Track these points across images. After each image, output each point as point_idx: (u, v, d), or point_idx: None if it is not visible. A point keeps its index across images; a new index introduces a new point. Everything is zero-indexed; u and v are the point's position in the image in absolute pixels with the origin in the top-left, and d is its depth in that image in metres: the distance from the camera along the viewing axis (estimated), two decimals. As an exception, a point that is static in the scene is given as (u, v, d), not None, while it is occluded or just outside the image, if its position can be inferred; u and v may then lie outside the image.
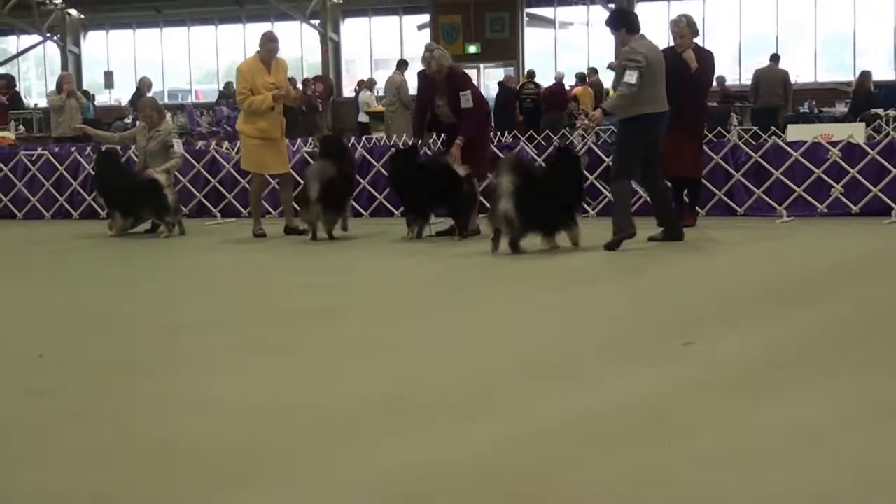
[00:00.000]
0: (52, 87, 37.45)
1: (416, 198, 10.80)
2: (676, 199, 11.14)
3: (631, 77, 9.57)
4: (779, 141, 12.89)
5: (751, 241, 10.36)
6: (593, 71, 27.57)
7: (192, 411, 4.68)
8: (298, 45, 34.85)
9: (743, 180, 12.20)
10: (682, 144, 10.70)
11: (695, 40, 11.07)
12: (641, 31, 10.01)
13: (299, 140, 16.93)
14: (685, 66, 10.78)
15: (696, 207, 11.67)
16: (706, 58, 11.09)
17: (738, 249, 9.90)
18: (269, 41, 11.60)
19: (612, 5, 31.60)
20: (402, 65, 21.91)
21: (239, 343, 6.07)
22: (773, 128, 17.53)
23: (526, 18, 32.52)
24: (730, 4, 32.13)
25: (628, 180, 10.02)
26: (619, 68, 9.91)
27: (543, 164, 10.69)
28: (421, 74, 11.24)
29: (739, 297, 7.29)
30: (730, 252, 9.76)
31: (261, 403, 4.78)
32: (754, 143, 13.47)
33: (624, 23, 9.98)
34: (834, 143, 12.04)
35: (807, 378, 5.00)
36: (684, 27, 10.98)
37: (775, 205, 11.94)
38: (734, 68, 32.49)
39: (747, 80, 23.19)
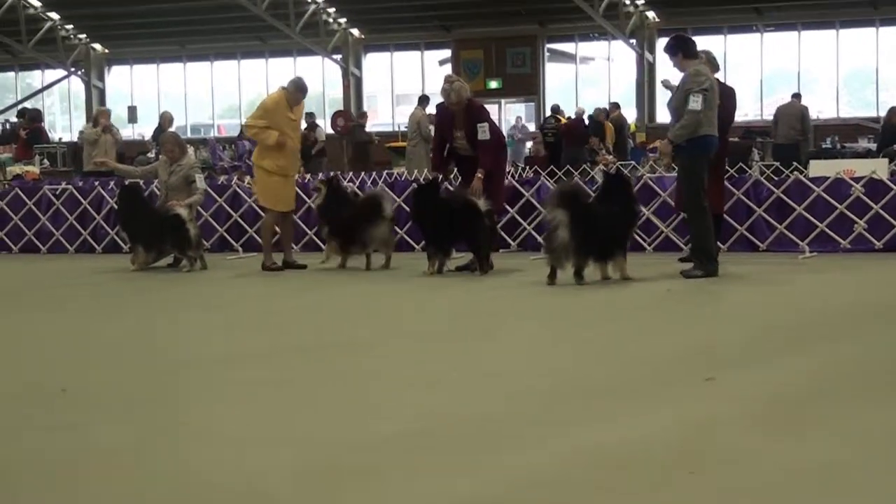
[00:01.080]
0: (78, 121, 37.92)
1: (437, 232, 10.82)
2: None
3: (696, 103, 9.75)
4: (801, 176, 12.86)
5: (773, 276, 10.32)
6: (615, 106, 27.63)
7: (214, 446, 4.68)
8: (320, 79, 35.08)
9: (765, 216, 12.17)
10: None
11: (717, 76, 11.09)
12: (699, 56, 10.20)
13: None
14: None
15: (718, 243, 11.63)
16: (728, 94, 11.11)
17: (761, 285, 9.86)
18: (299, 90, 11.70)
19: (633, 41, 31.77)
20: (424, 100, 22.01)
21: (261, 378, 6.06)
22: (794, 163, 17.48)
23: (547, 54, 32.69)
24: (751, 40, 32.19)
25: (705, 208, 10.03)
26: (682, 93, 9.94)
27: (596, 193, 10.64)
28: (440, 107, 11.29)
29: (762, 332, 7.24)
30: (752, 288, 9.71)
31: (283, 438, 4.77)
32: (776, 178, 13.44)
33: (681, 48, 10.13)
34: (857, 179, 12.01)
35: (829, 414, 4.96)
36: (704, 63, 11.01)
37: (798, 240, 11.90)
38: (756, 104, 32.54)
39: (769, 115, 23.19)
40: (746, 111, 32.83)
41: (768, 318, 7.95)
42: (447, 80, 11.12)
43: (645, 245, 12.39)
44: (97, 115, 17.37)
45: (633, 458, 4.34)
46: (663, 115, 27.58)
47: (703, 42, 33.40)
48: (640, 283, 9.87)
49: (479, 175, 10.62)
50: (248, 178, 16.36)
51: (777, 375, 5.83)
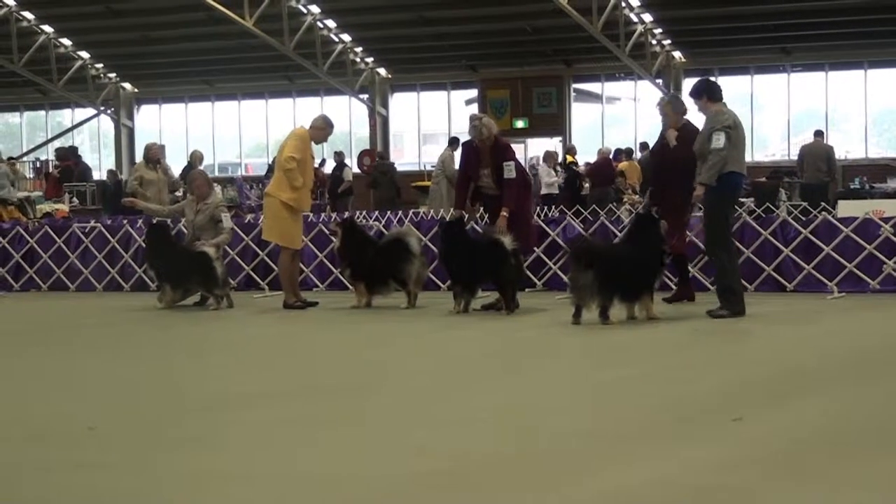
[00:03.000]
0: (107, 159, 38.23)
1: (463, 271, 10.81)
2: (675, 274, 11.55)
3: (718, 141, 9.86)
4: (829, 216, 12.80)
5: (801, 317, 10.25)
6: (643, 146, 27.62)
7: (239, 486, 4.67)
8: (347, 118, 35.28)
9: (793, 256, 12.10)
10: (668, 222, 10.63)
11: (685, 118, 11.42)
12: (723, 101, 10.37)
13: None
14: (667, 146, 11.15)
15: (744, 283, 11.60)
16: (690, 134, 11.06)
17: (788, 325, 9.80)
18: (329, 126, 11.83)
19: (659, 81, 31.83)
20: (454, 142, 22.16)
21: (283, 417, 6.05)
22: (822, 203, 17.42)
23: (573, 93, 32.77)
24: (779, 80, 32.17)
25: (730, 249, 10.04)
26: (706, 133, 10.02)
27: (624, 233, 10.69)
28: (466, 146, 11.32)
29: (788, 373, 7.19)
30: (779, 328, 9.65)
31: (305, 477, 4.76)
32: (804, 218, 13.38)
33: (706, 91, 10.31)
34: (886, 219, 11.95)
35: (855, 458, 4.90)
36: (666, 105, 11.41)
37: (826, 281, 11.82)
38: (783, 144, 32.49)
39: (796, 155, 23.17)
40: (773, 151, 32.82)
41: (795, 359, 7.90)
42: (474, 118, 11.17)
43: (672, 285, 12.32)
44: (153, 152, 16.78)
45: (655, 501, 4.30)
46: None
47: (730, 82, 33.76)
48: (666, 322, 9.83)
49: (504, 213, 10.64)
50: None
51: (802, 418, 5.78)
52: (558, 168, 24.73)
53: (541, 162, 24.87)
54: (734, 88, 32.96)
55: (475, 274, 10.77)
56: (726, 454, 4.99)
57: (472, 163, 11.12)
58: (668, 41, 31.99)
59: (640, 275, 9.79)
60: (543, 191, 23.93)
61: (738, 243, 12.17)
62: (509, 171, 10.85)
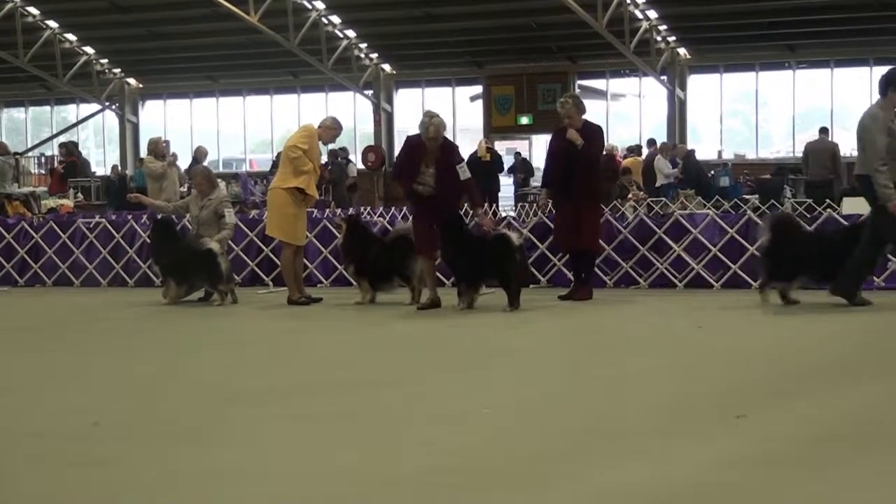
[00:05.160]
0: (112, 154, 38.26)
1: (468, 268, 10.79)
2: (575, 272, 11.72)
3: None
4: (834, 213, 12.78)
5: (806, 313, 10.23)
6: (651, 142, 27.67)
7: (246, 482, 4.67)
8: (352, 114, 35.27)
9: (797, 253, 12.06)
10: (575, 218, 11.21)
11: (584, 116, 11.53)
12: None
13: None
14: (573, 145, 11.24)
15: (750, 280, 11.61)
16: (592, 133, 11.44)
17: (793, 322, 9.78)
18: (338, 127, 11.86)
19: (664, 77, 31.79)
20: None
21: (289, 413, 6.06)
22: (827, 200, 17.40)
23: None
24: (784, 77, 32.12)
25: None
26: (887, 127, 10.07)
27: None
28: (411, 140, 11.04)
29: (794, 370, 7.18)
30: (784, 324, 9.64)
31: (314, 472, 4.77)
32: (808, 215, 13.37)
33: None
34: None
35: (861, 455, 4.90)
36: (570, 108, 11.44)
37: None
38: (788, 141, 32.43)
39: (801, 152, 23.14)
40: (778, 148, 32.78)
41: (799, 355, 7.89)
42: (428, 114, 10.93)
43: (676, 282, 12.34)
44: (156, 145, 16.77)
45: (658, 499, 4.29)
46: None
47: (735, 79, 33.71)
48: (672, 319, 9.82)
49: (483, 209, 10.85)
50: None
51: (807, 415, 5.77)
52: (678, 160, 24.71)
53: (657, 154, 24.77)
54: (739, 85, 32.94)
55: (480, 271, 10.75)
56: (730, 451, 4.98)
57: (414, 159, 10.82)
58: (673, 38, 31.95)
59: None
60: (660, 182, 23.85)
61: (742, 240, 12.20)
62: (465, 173, 10.82)
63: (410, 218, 11.53)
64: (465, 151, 27.34)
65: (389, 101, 35.70)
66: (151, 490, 4.59)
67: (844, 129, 31.16)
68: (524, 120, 33.70)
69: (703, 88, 33.10)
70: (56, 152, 34.46)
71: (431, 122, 10.72)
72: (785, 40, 30.83)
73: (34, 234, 14.83)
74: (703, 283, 12.20)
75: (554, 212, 11.95)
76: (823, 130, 21.56)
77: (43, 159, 34.76)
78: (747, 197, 22.73)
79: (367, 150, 33.91)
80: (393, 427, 5.69)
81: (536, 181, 27.32)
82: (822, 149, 20.41)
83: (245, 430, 5.70)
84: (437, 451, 5.11)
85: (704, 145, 31.56)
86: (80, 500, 4.47)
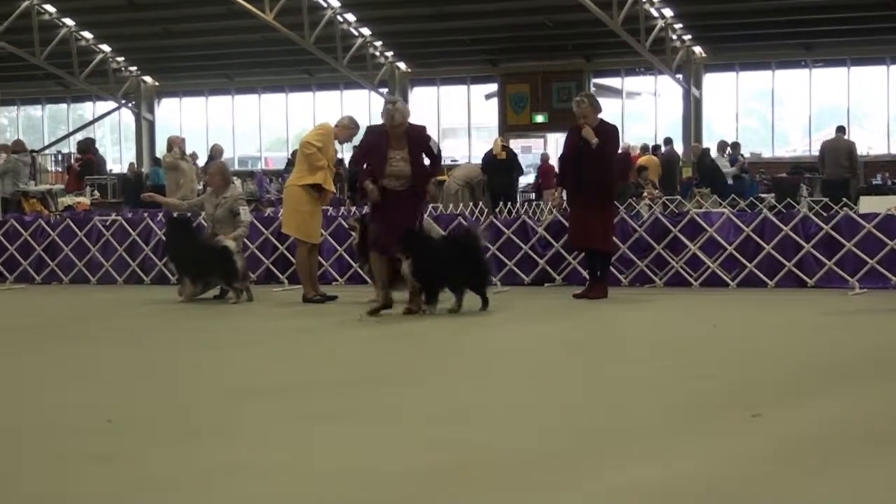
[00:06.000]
0: (128, 152, 38.35)
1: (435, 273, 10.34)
2: (590, 270, 11.71)
3: None
4: (850, 212, 12.75)
5: (821, 313, 10.20)
6: (667, 141, 27.64)
7: (253, 479, 4.68)
8: (367, 112, 35.29)
9: (813, 251, 12.05)
10: (588, 217, 11.22)
11: (599, 116, 11.50)
12: None
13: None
14: (588, 143, 11.24)
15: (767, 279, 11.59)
16: (607, 132, 11.43)
17: (808, 321, 9.75)
18: (356, 126, 11.86)
19: (680, 76, 31.73)
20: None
21: (299, 411, 6.07)
22: (844, 199, 17.34)
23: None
24: (800, 76, 32.01)
25: None
26: None
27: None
28: (371, 130, 10.84)
29: (809, 369, 7.17)
30: (799, 324, 9.61)
31: (321, 469, 4.78)
32: (825, 214, 13.33)
33: None
34: (908, 216, 11.88)
35: (881, 453, 4.88)
36: (587, 107, 11.45)
37: (847, 277, 11.77)
38: (804, 140, 32.34)
39: (817, 151, 23.08)
40: (795, 147, 32.68)
41: (815, 354, 7.87)
42: (390, 101, 10.66)
43: (692, 280, 12.32)
44: (172, 141, 16.95)
45: (671, 496, 4.29)
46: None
47: (751, 77, 33.60)
48: (687, 318, 9.81)
49: (434, 180, 10.73)
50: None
51: (822, 414, 5.77)
52: (741, 157, 24.68)
53: (715, 152, 24.71)
54: (755, 84, 32.84)
55: (447, 274, 10.33)
56: (746, 450, 4.98)
57: (381, 146, 10.39)
58: (689, 36, 31.88)
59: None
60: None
61: (758, 238, 12.17)
62: (436, 146, 10.66)
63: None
64: (481, 150, 27.42)
65: (405, 99, 35.69)
66: (162, 486, 4.61)
67: (861, 127, 31.10)
68: (539, 118, 33.67)
69: (718, 87, 33.02)
70: (73, 150, 34.61)
71: (395, 107, 10.39)
72: (801, 39, 30.73)
73: (51, 232, 14.88)
74: (719, 282, 12.18)
75: (568, 210, 11.94)
76: (840, 129, 21.47)
77: (60, 157, 34.88)
78: (763, 196, 22.66)
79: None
80: (400, 425, 5.69)
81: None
82: (838, 147, 20.35)
83: (254, 427, 5.71)
84: (445, 449, 5.11)
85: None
86: (92, 497, 4.48)
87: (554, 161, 30.68)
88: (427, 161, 10.53)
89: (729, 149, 24.92)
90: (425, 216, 11.50)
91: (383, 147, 10.35)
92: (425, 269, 10.11)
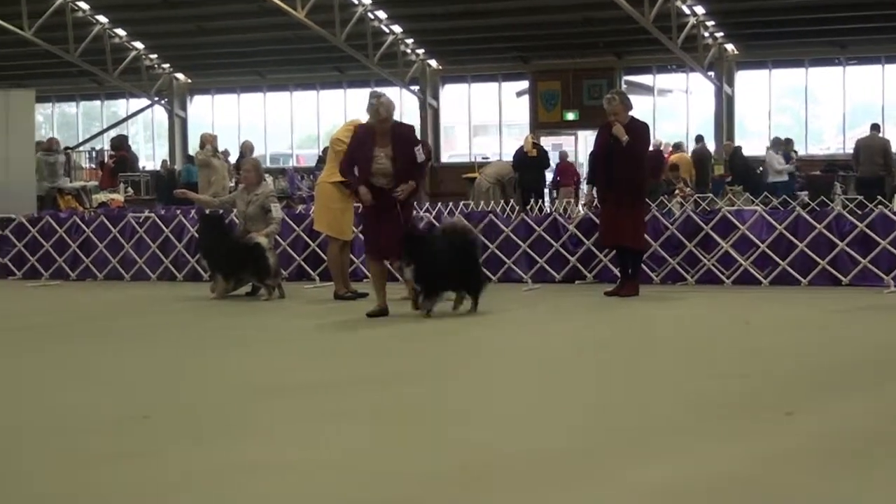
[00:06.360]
0: (161, 149, 38.57)
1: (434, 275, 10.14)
2: (621, 268, 11.70)
3: None
4: (885, 210, 12.66)
5: (855, 311, 10.15)
6: (699, 138, 27.54)
7: (272, 477, 4.70)
8: (398, 110, 35.30)
9: (848, 249, 11.97)
10: (619, 215, 11.22)
11: (630, 113, 11.52)
12: None
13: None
14: (618, 141, 11.23)
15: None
16: (638, 130, 11.41)
17: (843, 319, 9.70)
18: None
19: (712, 73, 31.56)
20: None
21: (326, 409, 6.10)
22: (879, 197, 17.22)
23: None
24: (834, 74, 31.77)
25: None
26: None
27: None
28: (360, 128, 10.65)
29: (844, 368, 7.13)
30: (834, 322, 9.56)
31: (345, 468, 4.80)
32: (859, 212, 13.24)
33: None
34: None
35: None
36: (617, 104, 11.45)
37: (882, 275, 11.69)
38: (838, 138, 32.10)
39: (851, 149, 22.91)
40: (829, 145, 32.44)
41: (850, 352, 7.82)
42: (374, 95, 10.46)
43: (724, 278, 12.27)
44: (204, 140, 17.04)
45: (703, 494, 4.28)
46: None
47: (784, 75, 33.26)
48: (719, 315, 9.77)
49: (413, 182, 10.23)
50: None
51: (857, 413, 5.74)
52: (794, 153, 24.58)
53: (768, 149, 24.66)
54: (788, 81, 32.62)
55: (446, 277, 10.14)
56: (779, 448, 4.96)
57: (366, 144, 10.25)
58: (721, 34, 31.69)
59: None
60: (771, 178, 23.72)
61: (792, 237, 12.11)
62: (420, 155, 10.41)
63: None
64: (512, 147, 27.38)
65: (435, 96, 35.71)
66: (187, 484, 4.64)
67: (896, 125, 30.79)
68: (570, 116, 33.57)
69: (751, 84, 32.82)
70: (106, 147, 34.86)
71: (380, 102, 10.22)
72: (835, 36, 30.49)
73: (85, 229, 14.98)
74: (751, 280, 12.13)
75: (599, 208, 11.92)
76: (875, 127, 21.32)
77: (93, 153, 35.14)
78: (797, 193, 22.53)
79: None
80: (422, 424, 5.71)
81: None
82: (873, 145, 20.21)
83: (283, 425, 5.74)
84: (463, 448, 5.11)
85: (753, 141, 31.30)
86: (125, 494, 4.52)
87: (582, 159, 30.71)
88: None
89: (787, 145, 24.79)
90: (457, 214, 11.51)
91: (368, 145, 10.21)
92: (427, 272, 9.91)
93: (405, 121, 13.48)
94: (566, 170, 26.02)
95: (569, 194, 24.22)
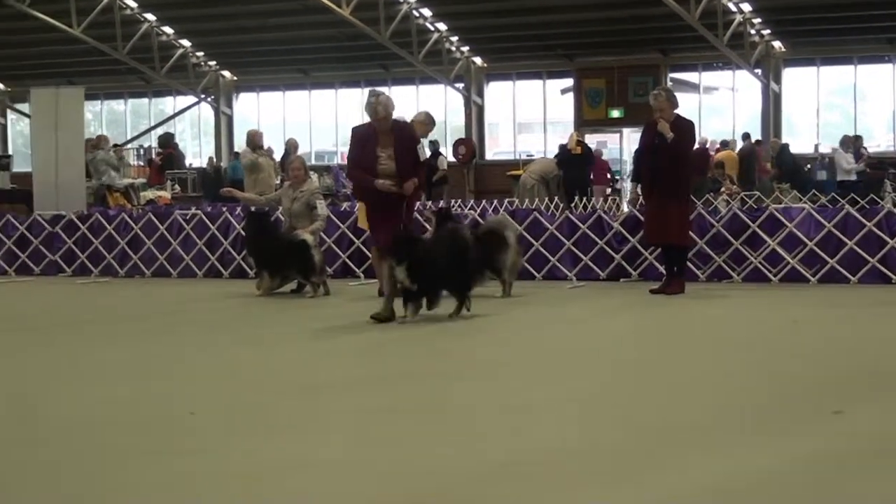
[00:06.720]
0: (207, 146, 38.83)
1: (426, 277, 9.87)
2: (666, 266, 11.67)
3: None
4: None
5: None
6: (745, 136, 27.33)
7: (323, 474, 4.72)
8: (442, 107, 35.34)
9: (897, 248, 11.85)
10: (664, 212, 11.20)
11: (676, 111, 11.49)
12: None
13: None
14: (663, 137, 11.20)
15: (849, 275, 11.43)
16: (683, 128, 11.38)
17: (893, 317, 9.59)
18: (432, 122, 12.18)
19: (758, 70, 31.30)
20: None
21: (369, 405, 6.13)
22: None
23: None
24: (883, 70, 31.41)
25: None
26: None
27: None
28: (359, 128, 10.54)
29: (893, 366, 7.04)
30: (885, 320, 9.45)
31: (391, 465, 4.80)
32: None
33: None
34: None
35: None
36: (663, 101, 11.43)
37: (933, 274, 11.57)
38: (888, 135, 31.74)
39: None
40: (878, 142, 32.07)
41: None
42: (373, 93, 10.29)
43: (770, 276, 12.18)
44: (252, 137, 16.98)
45: (748, 492, 4.25)
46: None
47: (832, 72, 32.89)
48: (766, 313, 9.70)
49: (415, 180, 10.05)
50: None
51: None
52: (864, 150, 24.42)
53: (838, 147, 24.51)
54: (837, 79, 32.29)
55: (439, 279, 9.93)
56: (827, 447, 4.92)
57: (370, 145, 10.13)
58: (768, 31, 31.42)
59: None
60: (840, 177, 23.56)
61: (841, 235, 12.00)
62: (423, 153, 10.42)
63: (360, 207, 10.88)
64: (556, 144, 27.31)
65: (480, 93, 35.69)
66: (236, 480, 4.66)
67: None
68: (615, 113, 33.43)
69: (798, 81, 32.52)
70: (154, 144, 35.17)
71: (378, 101, 10.08)
72: (884, 33, 30.13)
73: (134, 226, 15.11)
74: (799, 278, 12.05)
75: (644, 205, 11.88)
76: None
77: (141, 151, 35.45)
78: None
79: (457, 143, 33.99)
80: (466, 420, 5.71)
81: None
82: (923, 142, 19.95)
83: (327, 421, 5.76)
84: (513, 444, 5.11)
85: (801, 139, 31.03)
86: (168, 489, 4.56)
87: (627, 156, 30.60)
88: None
89: (857, 142, 24.53)
90: (501, 211, 11.50)
91: (371, 146, 10.09)
92: (421, 274, 9.65)
93: (449, 118, 13.51)
94: (600, 168, 25.91)
95: (602, 192, 24.14)
